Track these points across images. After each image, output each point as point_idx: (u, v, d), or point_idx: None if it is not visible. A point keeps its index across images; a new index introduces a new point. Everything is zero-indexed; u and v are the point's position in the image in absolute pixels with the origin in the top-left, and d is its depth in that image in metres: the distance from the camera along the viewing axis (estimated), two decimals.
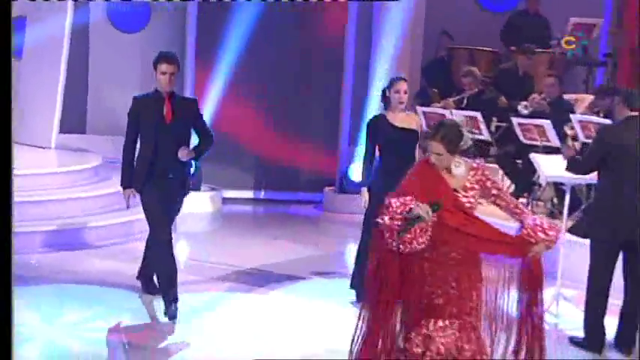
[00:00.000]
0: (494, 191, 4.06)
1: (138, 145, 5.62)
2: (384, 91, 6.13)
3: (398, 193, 3.95)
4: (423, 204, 3.82)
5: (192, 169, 5.99)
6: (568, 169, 5.60)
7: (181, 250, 7.38)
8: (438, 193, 3.93)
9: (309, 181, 9.65)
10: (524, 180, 7.94)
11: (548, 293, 5.93)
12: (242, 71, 9.39)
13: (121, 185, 5.73)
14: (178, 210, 5.89)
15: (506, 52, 9.62)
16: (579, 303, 5.84)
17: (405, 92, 6.00)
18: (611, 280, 5.44)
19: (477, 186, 4.02)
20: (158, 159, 5.55)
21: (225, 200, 9.24)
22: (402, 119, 5.99)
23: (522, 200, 7.87)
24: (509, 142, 8.12)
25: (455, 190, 3.99)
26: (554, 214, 7.46)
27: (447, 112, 7.88)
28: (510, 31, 9.69)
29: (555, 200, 7.68)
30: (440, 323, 4.00)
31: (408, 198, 3.86)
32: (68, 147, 9.07)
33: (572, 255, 6.08)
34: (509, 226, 4.30)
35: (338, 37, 9.53)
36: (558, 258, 5.99)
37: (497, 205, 4.08)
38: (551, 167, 5.95)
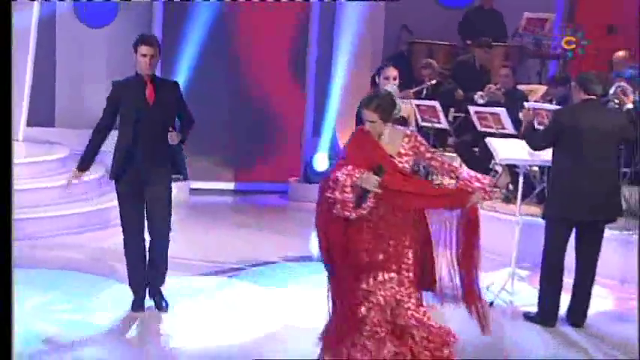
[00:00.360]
0: (428, 154, 4.25)
1: (116, 133, 5.31)
2: (373, 78, 5.84)
3: (340, 164, 4.11)
4: (368, 174, 3.97)
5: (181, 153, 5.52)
6: (525, 139, 5.74)
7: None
8: (376, 159, 4.09)
9: (274, 171, 9.70)
10: (481, 167, 8.05)
11: (504, 272, 6.18)
12: (207, 65, 9.38)
13: (77, 167, 5.45)
14: (169, 197, 5.41)
15: (463, 46, 9.76)
16: (534, 282, 5.99)
17: (395, 79, 5.58)
18: (563, 257, 5.56)
19: (410, 152, 4.19)
20: (140, 144, 5.20)
21: (192, 191, 9.21)
22: None
23: None
24: (466, 131, 8.26)
25: (390, 156, 4.15)
26: (509, 198, 7.61)
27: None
28: (467, 26, 9.84)
29: (511, 186, 7.82)
30: (380, 278, 4.17)
31: (350, 168, 4.01)
32: (37, 140, 9.01)
33: (526, 237, 6.16)
34: None
35: (302, 32, 9.61)
36: (513, 239, 6.12)
37: (433, 166, 4.27)
38: (505, 150, 6.09)
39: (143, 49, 5.22)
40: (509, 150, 6.05)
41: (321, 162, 9.33)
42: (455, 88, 8.57)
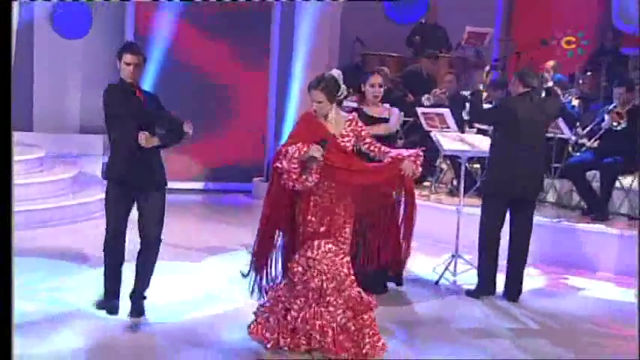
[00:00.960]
0: (367, 139, 4.68)
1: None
2: (359, 85, 5.91)
3: (289, 143, 4.48)
4: (314, 145, 4.34)
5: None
6: (470, 112, 6.30)
7: None
8: (321, 136, 4.46)
9: (239, 171, 9.91)
10: (428, 165, 8.45)
11: (447, 256, 6.55)
12: (174, 70, 9.54)
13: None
14: (164, 204, 5.07)
15: (411, 57, 10.15)
16: (474, 264, 6.33)
17: (380, 86, 5.80)
18: (499, 233, 5.91)
19: (351, 134, 4.60)
20: (140, 148, 4.78)
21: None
22: (379, 112, 5.87)
23: (426, 184, 8.47)
24: (414, 133, 8.65)
25: (334, 135, 4.53)
26: (453, 192, 8.01)
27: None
28: (415, 39, 10.26)
29: (455, 182, 8.23)
30: (322, 248, 4.52)
31: (299, 144, 4.37)
32: (16, 142, 9.13)
33: (467, 225, 6.43)
34: None
35: (263, 40, 9.89)
36: (456, 227, 6.46)
37: (370, 150, 4.66)
38: (449, 143, 6.50)
39: (127, 57, 4.93)
40: (452, 143, 6.47)
41: None
42: (405, 94, 8.95)
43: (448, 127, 7.64)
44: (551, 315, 5.75)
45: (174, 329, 5.06)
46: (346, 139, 4.57)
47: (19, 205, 7.53)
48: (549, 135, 7.21)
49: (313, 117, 4.63)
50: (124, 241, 5.09)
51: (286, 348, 4.60)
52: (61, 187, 8.28)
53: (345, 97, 4.95)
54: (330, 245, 4.54)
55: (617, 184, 7.32)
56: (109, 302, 5.09)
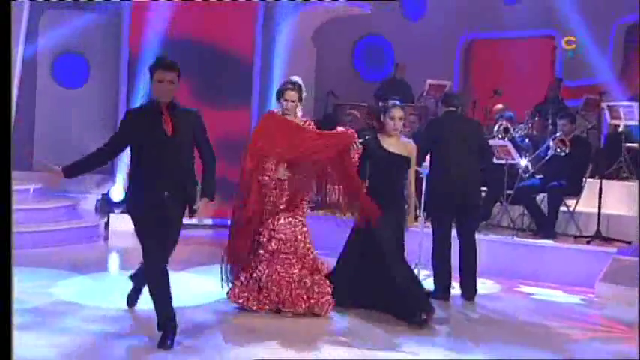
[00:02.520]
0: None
1: (128, 164, 4.53)
2: (378, 115, 5.65)
3: (256, 139, 5.20)
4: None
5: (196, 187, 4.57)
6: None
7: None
8: (293, 128, 5.20)
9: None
10: None
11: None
12: None
13: (63, 168, 4.44)
14: (177, 233, 4.49)
15: (379, 106, 10.44)
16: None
17: (401, 119, 5.46)
18: (450, 242, 6.06)
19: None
20: (160, 175, 4.31)
21: None
22: (395, 145, 5.49)
23: None
24: None
25: (299, 126, 5.26)
26: (417, 218, 8.16)
27: None
28: (382, 92, 10.62)
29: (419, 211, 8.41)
30: (282, 220, 5.21)
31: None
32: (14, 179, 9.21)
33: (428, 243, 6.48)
34: None
35: (244, 92, 10.10)
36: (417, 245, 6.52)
37: None
38: None
39: (160, 73, 4.27)
40: None
41: None
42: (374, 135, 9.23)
43: None
44: (505, 313, 5.87)
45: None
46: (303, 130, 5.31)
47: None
48: (501, 162, 7.50)
49: (279, 115, 5.27)
50: (166, 266, 4.45)
51: (254, 308, 5.18)
52: (55, 214, 8.36)
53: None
54: (289, 219, 5.23)
55: (563, 206, 7.56)
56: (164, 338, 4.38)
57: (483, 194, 7.45)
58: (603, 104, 8.21)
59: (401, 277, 5.29)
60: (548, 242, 7.23)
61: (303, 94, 5.28)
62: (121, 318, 5.06)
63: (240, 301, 5.23)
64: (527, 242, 7.31)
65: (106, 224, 8.98)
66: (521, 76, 10.50)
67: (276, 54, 10.22)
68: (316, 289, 5.22)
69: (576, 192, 7.50)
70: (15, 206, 8.11)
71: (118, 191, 9.34)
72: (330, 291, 5.30)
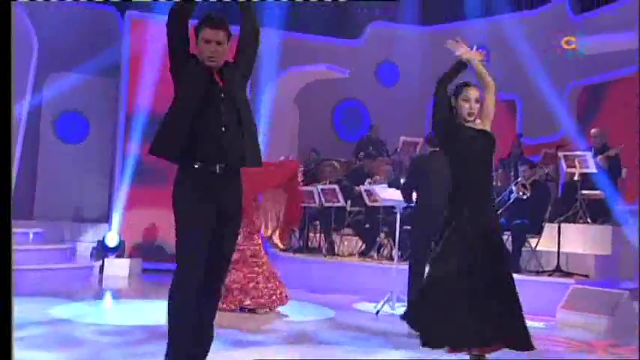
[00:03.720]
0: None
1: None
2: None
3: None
4: None
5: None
6: (401, 190, 6.40)
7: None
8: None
9: None
10: (371, 238, 8.87)
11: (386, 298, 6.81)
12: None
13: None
14: (235, 237, 3.60)
15: (356, 161, 10.78)
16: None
17: (477, 101, 4.19)
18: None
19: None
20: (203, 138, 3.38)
21: (145, 270, 9.31)
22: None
23: (372, 254, 8.82)
24: (359, 214, 9.13)
25: None
26: (391, 257, 8.36)
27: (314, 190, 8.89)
28: (359, 149, 10.97)
29: (392, 252, 8.58)
30: (242, 234, 6.02)
31: None
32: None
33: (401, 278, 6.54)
34: None
35: None
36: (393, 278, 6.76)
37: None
38: (385, 194, 6.92)
39: (207, 32, 3.43)
40: (388, 194, 6.91)
41: None
42: (351, 185, 9.51)
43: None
44: None
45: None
46: None
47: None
48: None
49: None
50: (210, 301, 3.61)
51: (224, 308, 5.89)
52: (52, 256, 8.44)
53: None
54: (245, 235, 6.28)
55: (526, 245, 7.78)
56: None
57: None
58: (560, 154, 8.48)
59: None
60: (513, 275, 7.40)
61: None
62: (121, 331, 5.15)
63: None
64: None
65: (101, 268, 9.05)
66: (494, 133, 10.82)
67: (262, 114, 10.55)
68: (276, 291, 6.34)
69: (537, 230, 7.74)
70: (15, 247, 8.27)
71: (112, 237, 9.43)
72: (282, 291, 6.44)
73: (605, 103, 10.00)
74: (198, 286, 3.33)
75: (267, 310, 6.34)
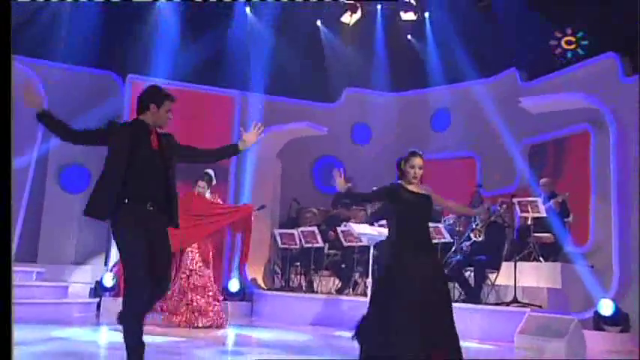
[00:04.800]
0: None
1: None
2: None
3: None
4: None
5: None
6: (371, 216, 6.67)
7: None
8: (206, 203, 7.56)
9: None
10: (347, 277, 9.11)
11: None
12: None
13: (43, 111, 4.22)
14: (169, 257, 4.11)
15: (335, 209, 11.07)
16: None
17: (420, 168, 4.88)
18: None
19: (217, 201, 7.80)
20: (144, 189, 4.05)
21: None
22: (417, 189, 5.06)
23: (346, 292, 9.03)
24: (335, 256, 9.39)
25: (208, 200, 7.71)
26: (365, 293, 8.56)
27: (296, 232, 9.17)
28: (337, 200, 11.25)
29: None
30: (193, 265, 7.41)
31: None
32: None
33: None
34: None
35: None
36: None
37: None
38: (360, 229, 7.24)
39: (169, 104, 4.25)
40: (362, 229, 7.22)
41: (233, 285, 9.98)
42: (327, 231, 9.79)
43: (360, 241, 8.48)
44: None
45: None
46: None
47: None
48: (435, 241, 8.06)
49: (197, 195, 7.50)
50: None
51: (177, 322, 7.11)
52: (53, 292, 8.55)
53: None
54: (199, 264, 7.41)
55: (486, 280, 8.10)
56: None
57: None
58: (514, 200, 8.86)
59: None
60: (475, 306, 7.69)
61: (213, 183, 7.66)
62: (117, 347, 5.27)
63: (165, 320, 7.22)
64: (459, 306, 7.73)
65: (98, 305, 9.14)
66: (449, 187, 11.19)
67: (248, 167, 10.90)
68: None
69: (496, 266, 8.08)
70: (17, 282, 8.31)
71: (109, 278, 9.56)
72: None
73: (555, 158, 10.49)
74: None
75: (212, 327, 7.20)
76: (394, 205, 4.89)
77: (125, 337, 3.82)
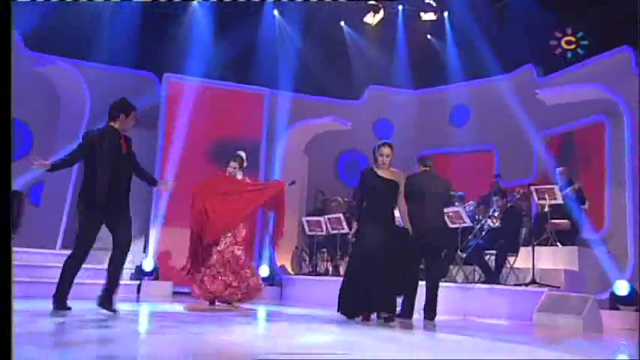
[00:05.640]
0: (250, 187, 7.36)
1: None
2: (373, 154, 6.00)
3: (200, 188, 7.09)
4: None
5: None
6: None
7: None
8: (234, 182, 7.20)
9: None
10: None
11: None
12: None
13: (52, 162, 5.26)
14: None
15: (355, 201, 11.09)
16: None
17: (388, 156, 5.85)
18: (418, 274, 6.26)
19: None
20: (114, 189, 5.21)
21: (174, 293, 9.37)
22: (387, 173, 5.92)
23: None
24: None
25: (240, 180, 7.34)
26: None
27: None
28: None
29: None
30: (225, 243, 7.00)
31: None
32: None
33: None
34: None
35: None
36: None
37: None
38: None
39: (134, 114, 5.37)
40: None
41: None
42: (352, 219, 9.79)
43: None
44: (465, 328, 6.14)
45: None
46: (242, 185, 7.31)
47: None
48: (455, 226, 8.07)
49: (226, 176, 7.17)
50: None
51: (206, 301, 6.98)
52: (95, 273, 8.62)
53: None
54: (231, 242, 7.00)
55: (507, 263, 8.06)
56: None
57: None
58: (531, 188, 8.79)
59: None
60: (495, 286, 7.67)
61: (244, 164, 7.33)
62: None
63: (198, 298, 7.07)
64: (477, 287, 7.74)
65: (138, 288, 9.28)
66: (469, 180, 11.19)
67: (277, 160, 10.99)
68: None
69: (514, 250, 8.03)
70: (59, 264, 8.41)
71: (149, 262, 9.72)
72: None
73: (571, 148, 10.39)
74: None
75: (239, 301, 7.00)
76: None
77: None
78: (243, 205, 6.96)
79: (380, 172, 5.85)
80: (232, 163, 7.25)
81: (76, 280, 5.37)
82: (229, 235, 7.02)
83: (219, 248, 6.95)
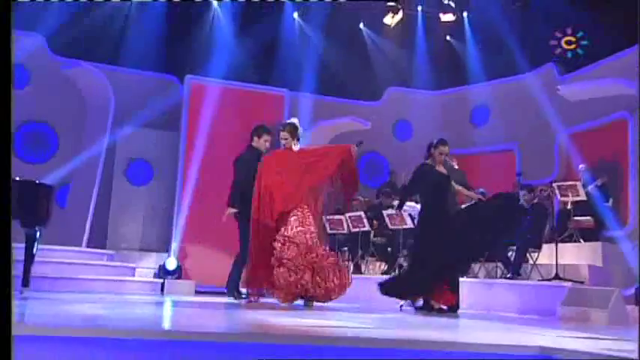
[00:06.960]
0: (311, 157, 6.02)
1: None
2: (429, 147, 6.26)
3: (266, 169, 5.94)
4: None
5: None
6: (402, 193, 6.65)
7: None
8: (293, 154, 5.95)
9: None
10: (393, 260, 9.07)
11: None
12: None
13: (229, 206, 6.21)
14: None
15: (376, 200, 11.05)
16: None
17: (446, 154, 6.36)
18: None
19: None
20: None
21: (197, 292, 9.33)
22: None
23: (391, 273, 8.97)
24: (382, 240, 9.36)
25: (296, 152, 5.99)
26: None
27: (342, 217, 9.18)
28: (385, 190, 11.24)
29: None
30: (294, 230, 5.69)
31: None
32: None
33: None
34: None
35: None
36: None
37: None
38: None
39: (267, 136, 6.43)
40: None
41: None
42: (373, 217, 9.75)
43: (405, 224, 8.45)
44: (485, 317, 6.07)
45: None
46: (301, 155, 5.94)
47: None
48: None
49: (282, 150, 5.99)
50: None
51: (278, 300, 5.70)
52: (122, 271, 8.80)
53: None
54: (300, 228, 5.67)
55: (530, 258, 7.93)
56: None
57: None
58: (554, 185, 8.66)
59: None
60: (518, 281, 7.55)
61: (299, 131, 6.02)
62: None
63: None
64: (501, 282, 7.63)
65: (162, 287, 9.32)
66: (491, 179, 11.07)
67: None
68: (331, 277, 5.77)
69: (538, 244, 7.91)
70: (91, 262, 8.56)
71: (172, 262, 9.77)
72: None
73: (593, 145, 10.25)
74: None
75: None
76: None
77: None
78: (306, 179, 5.68)
79: (438, 168, 6.14)
80: (282, 134, 5.91)
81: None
82: (293, 217, 5.65)
83: (287, 234, 5.59)
